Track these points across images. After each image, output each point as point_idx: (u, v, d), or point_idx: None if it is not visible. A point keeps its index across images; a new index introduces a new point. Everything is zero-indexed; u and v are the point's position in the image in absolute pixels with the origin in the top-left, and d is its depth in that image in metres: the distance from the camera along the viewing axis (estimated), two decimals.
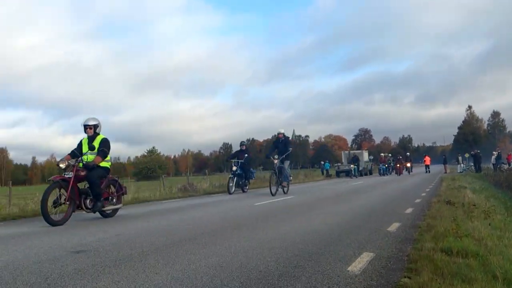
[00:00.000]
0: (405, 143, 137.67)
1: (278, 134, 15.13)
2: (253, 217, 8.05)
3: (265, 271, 3.86)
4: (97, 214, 8.54)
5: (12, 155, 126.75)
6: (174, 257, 4.43)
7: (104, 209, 8.36)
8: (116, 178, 9.02)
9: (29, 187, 56.76)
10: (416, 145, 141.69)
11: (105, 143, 8.29)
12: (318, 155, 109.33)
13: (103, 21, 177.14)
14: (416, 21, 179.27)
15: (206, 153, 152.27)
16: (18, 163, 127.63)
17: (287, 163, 14.57)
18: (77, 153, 8.24)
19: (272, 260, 4.26)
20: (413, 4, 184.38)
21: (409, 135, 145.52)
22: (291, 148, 14.71)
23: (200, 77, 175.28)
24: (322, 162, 46.59)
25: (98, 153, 8.13)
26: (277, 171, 14.12)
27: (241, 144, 17.09)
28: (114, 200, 8.71)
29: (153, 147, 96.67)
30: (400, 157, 39.34)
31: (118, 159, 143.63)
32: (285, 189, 14.45)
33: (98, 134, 8.40)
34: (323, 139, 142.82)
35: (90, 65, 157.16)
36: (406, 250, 4.84)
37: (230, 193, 15.42)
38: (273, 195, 13.26)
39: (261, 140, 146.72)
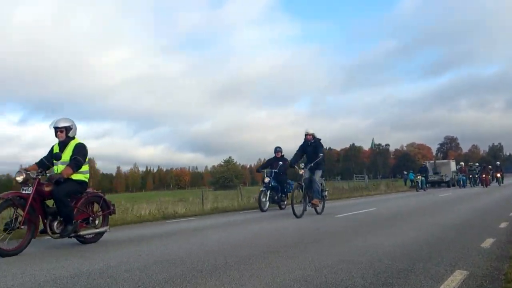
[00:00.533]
0: (495, 151, 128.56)
1: (306, 135, 11.21)
2: (333, 230, 7.89)
3: (351, 287, 3.74)
4: (70, 240, 6.71)
5: (99, 164, 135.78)
6: (257, 270, 4.44)
7: (81, 233, 6.59)
8: (101, 194, 7.18)
9: (114, 195, 60.63)
10: (507, 154, 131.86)
11: (79, 150, 6.54)
12: (400, 164, 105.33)
13: (184, 34, 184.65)
14: (506, 21, 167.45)
15: None
16: (105, 172, 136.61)
17: (318, 173, 10.95)
18: (46, 162, 6.65)
19: (358, 276, 4.12)
20: (501, 4, 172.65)
21: (499, 143, 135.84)
22: (321, 154, 10.94)
23: (277, 86, 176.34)
24: (405, 172, 44.64)
25: (69, 163, 6.41)
26: (304, 184, 10.84)
27: (276, 150, 13.73)
28: (97, 221, 6.94)
29: (230, 157, 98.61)
30: (489, 166, 36.38)
31: (196, 168, 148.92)
32: (318, 208, 11.12)
33: (73, 138, 6.70)
34: (405, 148, 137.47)
35: (171, 77, 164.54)
36: (502, 268, 4.46)
37: (262, 211, 12.49)
38: (297, 217, 10.16)
39: (338, 149, 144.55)
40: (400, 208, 13.39)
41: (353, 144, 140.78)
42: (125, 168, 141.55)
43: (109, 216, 7.35)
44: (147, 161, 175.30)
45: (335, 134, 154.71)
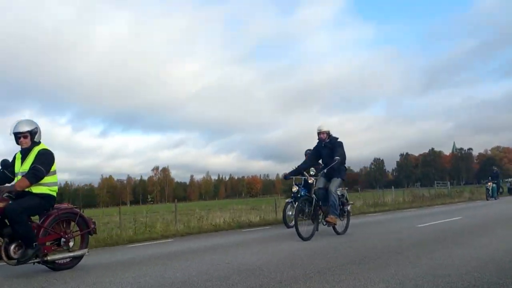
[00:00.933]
0: None
1: (319, 133, 8.76)
2: (415, 241, 7.50)
3: None
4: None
5: (173, 173, 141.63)
6: (338, 281, 4.31)
7: (49, 258, 5.41)
8: (77, 210, 5.94)
9: (188, 203, 62.70)
10: None
11: (41, 158, 5.47)
12: (484, 169, 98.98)
13: (256, 43, 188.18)
14: None
15: (356, 169, 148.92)
16: (179, 181, 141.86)
17: (335, 182, 8.43)
18: (8, 174, 5.66)
19: None
20: None
21: None
22: (338, 157, 8.15)
23: (349, 90, 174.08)
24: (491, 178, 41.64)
25: (26, 173, 5.38)
26: (315, 196, 8.41)
27: (307, 153, 11.14)
28: (71, 243, 5.74)
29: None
30: None
31: (267, 176, 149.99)
32: (338, 227, 8.69)
33: (38, 143, 5.65)
34: (489, 152, 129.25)
35: (242, 87, 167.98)
36: None
37: (288, 227, 10.12)
38: (304, 239, 7.81)
39: (416, 154, 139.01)
40: (488, 217, 12.51)
41: (433, 148, 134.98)
42: (198, 177, 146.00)
43: (89, 236, 6.12)
44: (219, 169, 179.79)
45: (412, 139, 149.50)
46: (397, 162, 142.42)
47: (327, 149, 8.63)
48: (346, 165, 9.09)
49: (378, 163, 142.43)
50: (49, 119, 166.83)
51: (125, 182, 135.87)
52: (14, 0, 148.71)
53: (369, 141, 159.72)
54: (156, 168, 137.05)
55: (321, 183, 8.54)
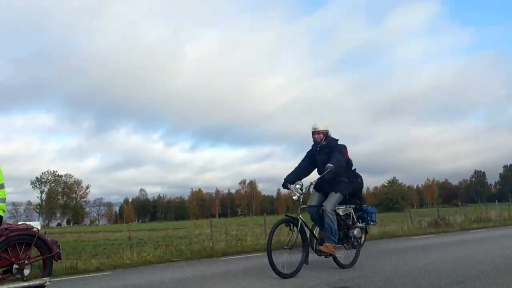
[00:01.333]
0: None
1: (314, 133, 6.63)
2: None
3: None
4: None
5: (260, 187, 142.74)
6: None
7: None
8: (35, 231, 4.97)
9: (276, 217, 62.69)
10: None
11: None
12: None
13: (343, 54, 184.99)
14: None
15: (454, 182, 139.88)
16: (265, 194, 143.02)
17: (333, 198, 6.35)
18: None
19: None
20: None
21: None
22: (331, 165, 6.10)
23: (446, 99, 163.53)
24: None
25: None
26: (301, 218, 6.23)
27: None
28: (27, 270, 4.90)
29: (394, 177, 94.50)
30: None
31: None
32: (341, 258, 6.52)
33: None
34: None
35: (330, 98, 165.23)
36: None
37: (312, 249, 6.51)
38: (283, 276, 5.69)
39: None
40: None
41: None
42: (285, 190, 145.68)
43: (54, 261, 5.16)
44: (306, 182, 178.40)
45: None
46: (500, 175, 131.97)
47: (323, 154, 6.52)
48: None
49: (479, 176, 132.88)
50: (143, 135, 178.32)
51: (213, 195, 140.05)
52: (113, 20, 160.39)
53: (469, 152, 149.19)
54: (243, 182, 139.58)
55: (314, 199, 6.58)
